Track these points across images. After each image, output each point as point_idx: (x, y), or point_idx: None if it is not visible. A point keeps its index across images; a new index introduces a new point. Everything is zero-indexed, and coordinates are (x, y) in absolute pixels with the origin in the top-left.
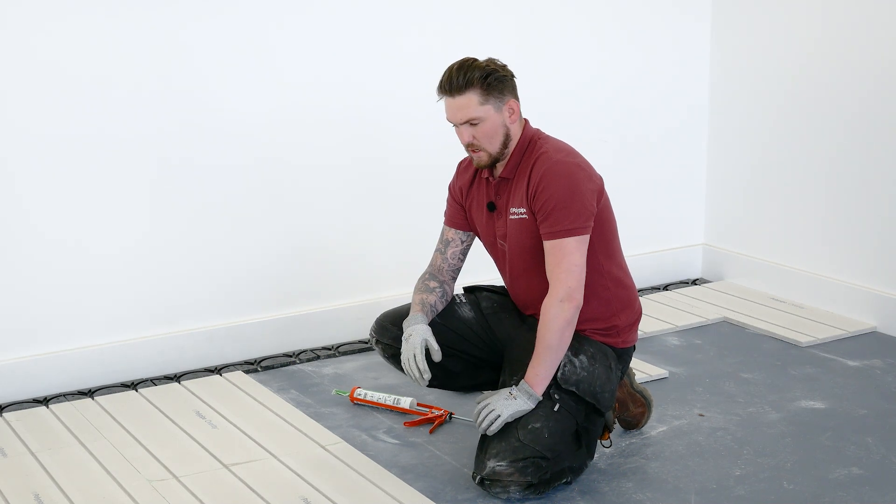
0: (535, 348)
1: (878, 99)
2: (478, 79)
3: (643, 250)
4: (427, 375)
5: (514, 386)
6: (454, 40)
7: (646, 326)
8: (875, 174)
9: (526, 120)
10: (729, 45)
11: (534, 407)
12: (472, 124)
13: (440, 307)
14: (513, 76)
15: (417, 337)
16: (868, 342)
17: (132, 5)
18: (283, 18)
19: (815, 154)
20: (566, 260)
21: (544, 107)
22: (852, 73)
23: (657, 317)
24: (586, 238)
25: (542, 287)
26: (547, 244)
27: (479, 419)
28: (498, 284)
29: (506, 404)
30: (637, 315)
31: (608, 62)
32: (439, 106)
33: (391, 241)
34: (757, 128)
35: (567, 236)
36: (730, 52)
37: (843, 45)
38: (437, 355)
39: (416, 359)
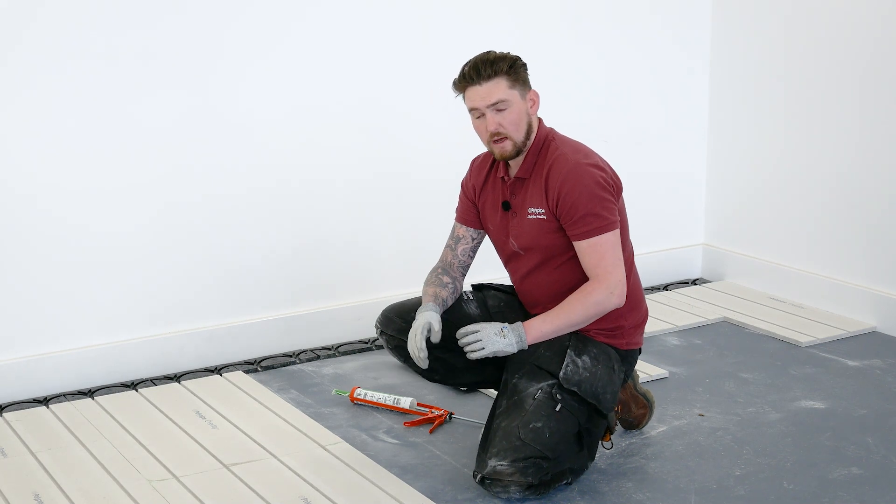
0: (556, 309)
1: (879, 99)
2: (506, 66)
3: (643, 250)
4: (423, 354)
5: (506, 324)
6: (459, 43)
7: (646, 326)
8: (875, 174)
9: (540, 119)
10: (729, 45)
11: (516, 351)
12: (499, 109)
13: (451, 302)
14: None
15: (422, 319)
16: (868, 342)
17: (148, 9)
18: (294, 23)
19: (815, 154)
20: (610, 254)
21: (545, 108)
22: (852, 73)
23: (657, 317)
24: (618, 232)
25: (551, 287)
26: (583, 244)
27: (465, 341)
28: (506, 284)
29: (494, 340)
30: (643, 317)
31: (608, 63)
32: (445, 107)
33: (392, 242)
34: (757, 128)
35: (604, 232)
36: (730, 52)
37: (844, 44)
38: (435, 336)
39: (416, 338)
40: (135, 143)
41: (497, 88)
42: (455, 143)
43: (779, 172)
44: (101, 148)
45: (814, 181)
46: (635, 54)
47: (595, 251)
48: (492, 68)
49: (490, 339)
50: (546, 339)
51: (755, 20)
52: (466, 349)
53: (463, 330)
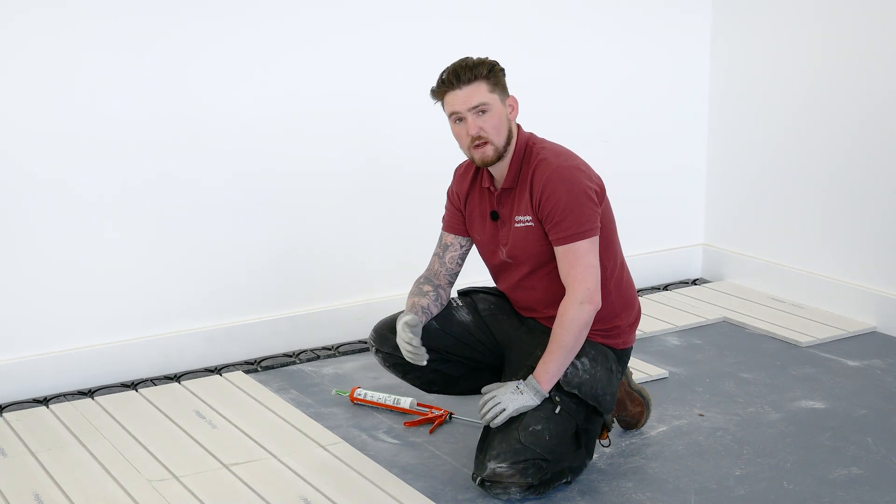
0: (549, 346)
1: (878, 99)
2: (486, 70)
3: (643, 250)
4: (415, 343)
5: (521, 380)
6: (452, 40)
7: (646, 326)
8: (875, 174)
9: (518, 125)
10: (729, 46)
11: (539, 403)
12: (481, 111)
13: (434, 310)
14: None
15: (400, 324)
16: (868, 342)
17: (135, 9)
18: (283, 21)
19: (815, 154)
20: (581, 262)
21: (546, 107)
22: (852, 73)
23: (657, 317)
24: (597, 239)
25: (544, 292)
26: (559, 249)
27: (484, 410)
28: (493, 286)
29: (512, 398)
30: (637, 315)
31: (609, 63)
32: (437, 108)
33: (390, 242)
34: (757, 128)
35: (579, 239)
36: (730, 52)
37: (843, 43)
38: (415, 330)
39: (404, 338)
40: (132, 146)
41: (477, 92)
42: (454, 141)
43: (779, 173)
44: (97, 150)
45: (814, 181)
46: (635, 54)
47: (567, 258)
48: (472, 73)
49: (508, 398)
50: (558, 377)
51: (756, 20)
52: (491, 419)
53: (481, 402)
